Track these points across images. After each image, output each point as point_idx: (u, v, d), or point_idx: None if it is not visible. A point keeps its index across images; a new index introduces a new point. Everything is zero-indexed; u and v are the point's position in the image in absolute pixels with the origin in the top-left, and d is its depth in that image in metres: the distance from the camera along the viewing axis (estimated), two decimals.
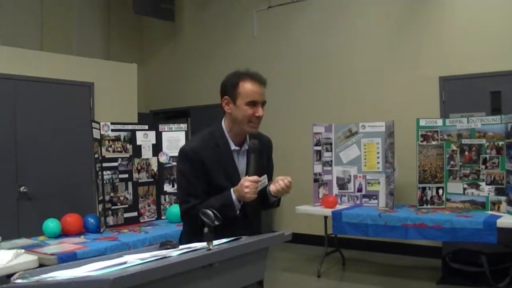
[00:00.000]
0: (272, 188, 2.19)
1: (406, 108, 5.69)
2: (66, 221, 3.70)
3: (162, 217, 4.41)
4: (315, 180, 5.40)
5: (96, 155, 3.99)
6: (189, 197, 2.14)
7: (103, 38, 7.55)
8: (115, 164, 4.16)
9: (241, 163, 2.22)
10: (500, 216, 4.33)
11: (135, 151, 4.33)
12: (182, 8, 7.94)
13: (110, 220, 4.06)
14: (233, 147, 2.21)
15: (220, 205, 2.04)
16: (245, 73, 2.19)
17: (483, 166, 4.69)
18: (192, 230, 2.18)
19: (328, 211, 5.11)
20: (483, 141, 4.71)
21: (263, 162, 2.29)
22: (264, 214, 2.39)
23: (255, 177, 2.08)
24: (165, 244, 1.85)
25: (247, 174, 2.16)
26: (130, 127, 4.37)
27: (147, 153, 4.41)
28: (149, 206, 4.38)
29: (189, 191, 2.15)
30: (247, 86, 2.15)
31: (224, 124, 2.26)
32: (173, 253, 1.58)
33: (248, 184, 2.05)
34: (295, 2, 6.78)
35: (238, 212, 2.10)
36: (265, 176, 2.17)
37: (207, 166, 2.13)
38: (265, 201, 2.25)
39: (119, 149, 4.21)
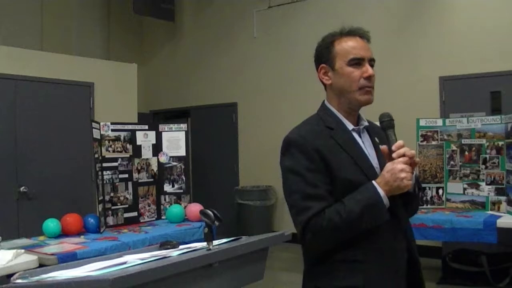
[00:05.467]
0: None
1: (406, 108, 5.68)
2: (66, 221, 3.70)
3: (162, 217, 4.41)
4: None
5: (96, 155, 4.00)
6: (309, 201, 1.51)
7: (103, 38, 7.55)
8: (115, 164, 4.17)
9: (367, 146, 1.65)
10: (500, 216, 4.32)
11: (135, 151, 4.33)
12: (182, 8, 7.94)
13: (110, 220, 4.06)
14: (350, 127, 1.65)
15: (363, 206, 1.46)
16: (340, 29, 1.68)
17: (483, 166, 4.69)
18: (322, 257, 1.56)
19: None
20: (483, 141, 4.70)
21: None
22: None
23: (411, 151, 1.51)
24: (165, 244, 1.85)
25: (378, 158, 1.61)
26: (130, 127, 4.37)
27: (147, 153, 4.41)
28: (149, 206, 4.38)
29: (307, 193, 1.52)
30: (344, 43, 1.63)
31: (328, 103, 1.71)
32: (173, 253, 1.58)
33: (403, 167, 1.46)
34: (295, 2, 6.78)
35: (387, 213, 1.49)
36: None
37: (325, 156, 1.54)
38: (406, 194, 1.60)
39: (119, 149, 4.21)
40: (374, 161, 1.61)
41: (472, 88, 5.44)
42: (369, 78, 1.59)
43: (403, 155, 1.50)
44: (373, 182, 1.49)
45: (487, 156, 4.67)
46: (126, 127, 4.33)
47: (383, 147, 1.58)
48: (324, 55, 1.66)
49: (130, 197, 4.23)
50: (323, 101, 1.74)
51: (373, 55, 1.66)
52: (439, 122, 4.98)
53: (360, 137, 1.66)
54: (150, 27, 8.29)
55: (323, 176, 1.53)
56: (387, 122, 1.61)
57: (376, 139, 1.67)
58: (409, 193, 1.59)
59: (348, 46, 1.61)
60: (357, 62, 1.60)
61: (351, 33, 1.65)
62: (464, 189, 4.80)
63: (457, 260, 4.73)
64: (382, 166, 1.56)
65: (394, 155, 1.51)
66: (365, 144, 1.66)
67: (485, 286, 4.46)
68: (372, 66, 1.62)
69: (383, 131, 1.62)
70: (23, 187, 5.16)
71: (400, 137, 1.59)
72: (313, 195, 1.51)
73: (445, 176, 4.90)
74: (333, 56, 1.63)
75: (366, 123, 1.70)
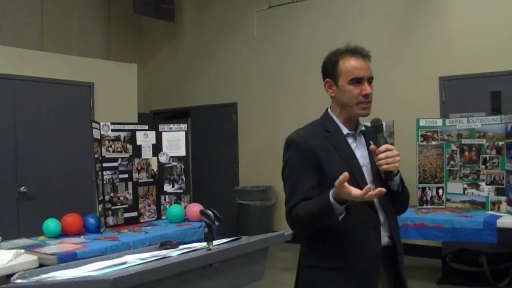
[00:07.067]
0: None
1: (406, 108, 5.68)
2: (66, 221, 3.70)
3: (162, 217, 4.41)
4: None
5: (96, 155, 4.00)
6: (294, 194, 1.77)
7: (103, 38, 7.55)
8: (115, 164, 4.17)
9: (359, 149, 1.89)
10: (500, 216, 4.32)
11: (135, 151, 4.33)
12: (182, 8, 7.94)
13: (110, 220, 4.06)
14: (345, 131, 1.89)
15: (319, 206, 1.69)
16: (344, 49, 1.90)
17: (483, 166, 4.69)
18: (312, 240, 1.85)
19: None
20: (483, 141, 4.71)
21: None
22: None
23: (393, 153, 1.75)
24: (165, 244, 1.85)
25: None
26: (130, 127, 4.37)
27: (147, 153, 4.41)
28: (149, 206, 4.38)
29: (294, 186, 1.79)
30: (347, 63, 1.85)
31: (330, 110, 1.95)
32: (173, 253, 1.58)
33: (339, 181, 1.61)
34: (295, 2, 6.78)
35: (341, 216, 1.68)
36: None
37: (318, 155, 1.79)
38: (390, 191, 1.85)
39: (119, 149, 4.21)
40: (366, 161, 1.86)
41: (472, 88, 5.44)
42: (367, 95, 1.83)
43: (387, 158, 1.75)
44: (331, 191, 1.66)
45: (487, 156, 4.67)
46: (126, 127, 4.33)
47: (372, 147, 1.80)
48: (329, 71, 1.90)
49: (130, 197, 4.23)
50: (327, 109, 1.97)
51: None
52: (439, 122, 4.98)
53: (356, 140, 1.90)
54: (150, 27, 8.29)
55: (313, 172, 1.78)
56: (377, 127, 1.85)
57: (370, 142, 1.89)
58: (393, 191, 1.86)
59: (351, 66, 1.84)
60: (357, 81, 1.83)
61: (355, 52, 1.87)
62: (464, 189, 4.80)
63: (457, 260, 4.74)
64: (372, 165, 1.84)
65: (376, 158, 1.77)
66: (359, 146, 1.90)
67: (485, 286, 4.46)
68: (370, 83, 1.85)
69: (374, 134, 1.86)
70: (23, 187, 5.16)
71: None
72: (298, 189, 1.76)
73: (445, 176, 4.90)
74: (337, 73, 1.86)
75: (362, 128, 1.93)
